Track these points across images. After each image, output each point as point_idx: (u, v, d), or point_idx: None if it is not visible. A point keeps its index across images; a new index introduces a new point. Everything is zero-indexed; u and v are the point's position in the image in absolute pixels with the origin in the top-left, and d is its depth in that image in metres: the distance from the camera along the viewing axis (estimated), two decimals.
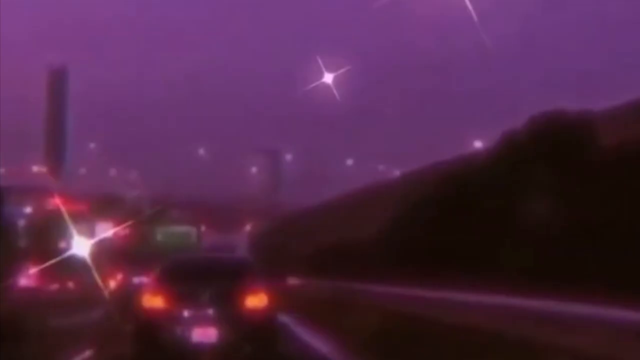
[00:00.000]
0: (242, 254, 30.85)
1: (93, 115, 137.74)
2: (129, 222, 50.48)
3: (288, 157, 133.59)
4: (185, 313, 15.63)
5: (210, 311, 15.63)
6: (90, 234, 36.61)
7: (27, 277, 35.69)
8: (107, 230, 43.17)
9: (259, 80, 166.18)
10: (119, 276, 43.31)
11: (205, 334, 15.58)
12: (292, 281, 38.26)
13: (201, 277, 16.29)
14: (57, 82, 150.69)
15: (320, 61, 20.89)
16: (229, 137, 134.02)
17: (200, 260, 18.70)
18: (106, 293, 32.08)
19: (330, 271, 30.33)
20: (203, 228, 69.88)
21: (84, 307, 30.67)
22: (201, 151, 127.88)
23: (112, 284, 40.25)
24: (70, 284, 41.39)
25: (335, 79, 20.86)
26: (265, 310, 15.87)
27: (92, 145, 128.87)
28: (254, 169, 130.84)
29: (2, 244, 16.68)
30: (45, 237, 43.15)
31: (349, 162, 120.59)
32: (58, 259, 31.65)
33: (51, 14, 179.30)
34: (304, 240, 45.06)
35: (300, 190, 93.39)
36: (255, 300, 15.83)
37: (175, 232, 61.16)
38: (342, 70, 21.25)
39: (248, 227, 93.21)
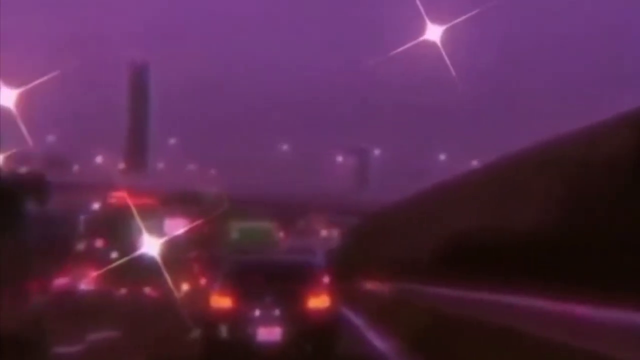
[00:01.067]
0: (314, 256, 31.78)
1: (175, 111, 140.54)
2: (204, 220, 51.21)
3: (376, 152, 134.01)
4: (251, 313, 17.03)
5: (275, 311, 16.99)
6: (160, 232, 36.18)
7: (85, 281, 34.73)
8: (178, 228, 42.94)
9: (343, 70, 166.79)
10: (202, 280, 42.01)
11: (269, 333, 16.95)
12: (372, 285, 38.71)
13: (266, 278, 17.58)
14: (139, 77, 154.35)
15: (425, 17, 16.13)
16: (314, 133, 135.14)
17: (265, 262, 20.00)
18: (178, 298, 31.67)
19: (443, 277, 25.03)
20: (282, 233, 70.72)
21: (151, 315, 29.73)
22: (285, 147, 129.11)
23: (185, 286, 39.23)
24: (137, 289, 39.70)
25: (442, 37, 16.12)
26: (327, 312, 17.29)
27: (172, 140, 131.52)
28: (339, 166, 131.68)
29: (22, 244, 17.23)
30: (108, 236, 42.10)
31: (442, 156, 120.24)
32: (123, 260, 31.33)
33: (134, 9, 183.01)
34: (391, 241, 44.73)
35: (389, 188, 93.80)
36: (318, 302, 17.25)
37: (255, 230, 61.91)
38: (454, 22, 16.49)
39: (326, 231, 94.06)
